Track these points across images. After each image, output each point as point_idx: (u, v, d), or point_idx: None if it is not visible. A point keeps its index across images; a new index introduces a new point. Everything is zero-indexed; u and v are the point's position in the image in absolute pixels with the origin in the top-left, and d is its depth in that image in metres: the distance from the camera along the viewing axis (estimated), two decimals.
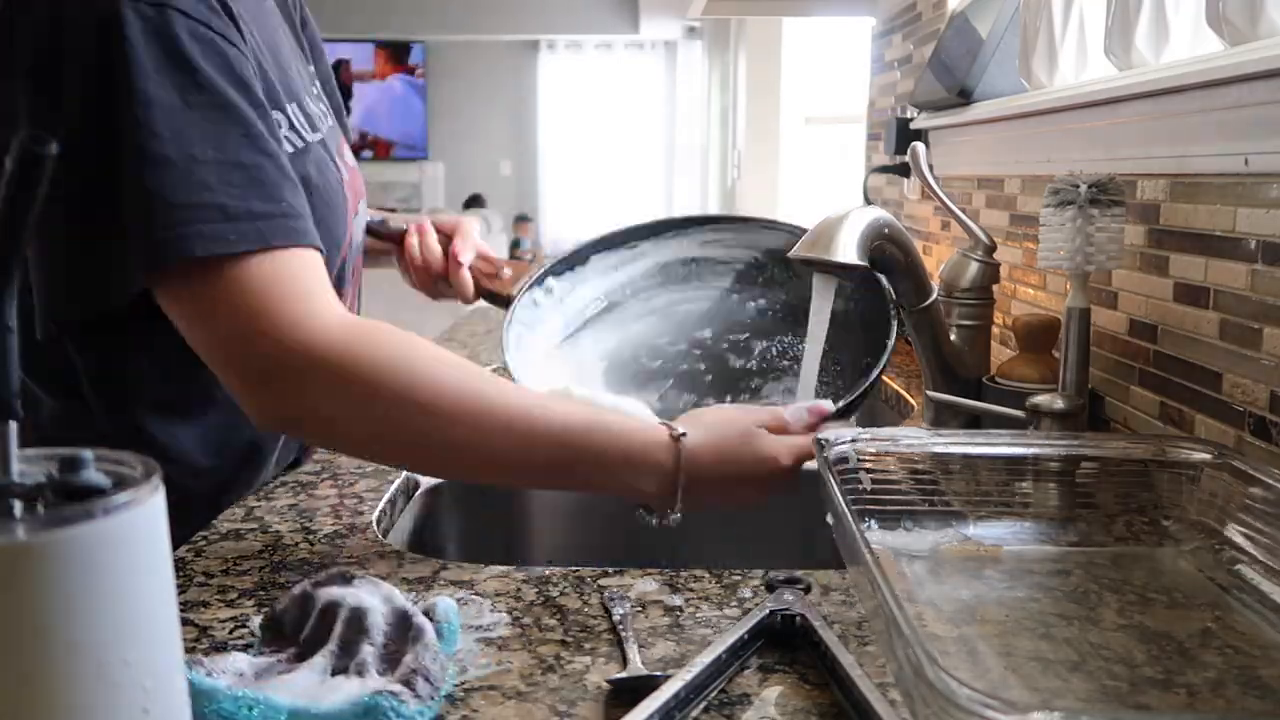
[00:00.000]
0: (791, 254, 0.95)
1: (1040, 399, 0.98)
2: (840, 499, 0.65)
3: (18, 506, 0.37)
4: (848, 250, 0.93)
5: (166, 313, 0.74)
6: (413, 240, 1.12)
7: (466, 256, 1.09)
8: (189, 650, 0.60)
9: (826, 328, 0.92)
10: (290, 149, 0.82)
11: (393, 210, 1.34)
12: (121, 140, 0.70)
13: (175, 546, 0.78)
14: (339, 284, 0.92)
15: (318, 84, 1.00)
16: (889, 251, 1.02)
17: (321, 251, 0.77)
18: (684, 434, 0.77)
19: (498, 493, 1.01)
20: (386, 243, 1.15)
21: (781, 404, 0.92)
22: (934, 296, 1.10)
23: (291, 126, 0.84)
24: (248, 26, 0.80)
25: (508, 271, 1.12)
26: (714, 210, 7.39)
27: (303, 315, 0.72)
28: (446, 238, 1.12)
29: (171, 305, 0.74)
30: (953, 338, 1.18)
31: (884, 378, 1.49)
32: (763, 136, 5.53)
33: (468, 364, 0.77)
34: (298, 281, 0.73)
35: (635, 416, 0.84)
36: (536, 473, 0.78)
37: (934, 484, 0.80)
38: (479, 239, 1.14)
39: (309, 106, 0.90)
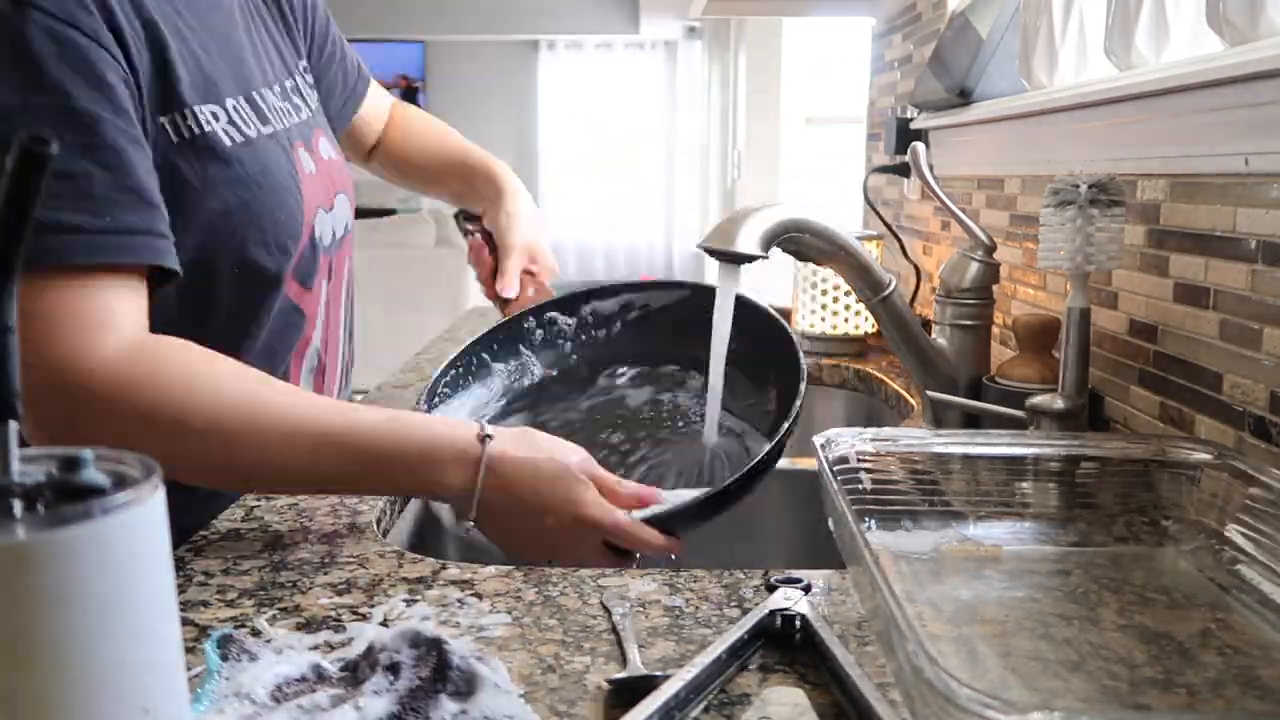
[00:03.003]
0: (698, 244, 0.97)
1: (1040, 399, 0.98)
2: (840, 499, 0.65)
3: (18, 506, 0.37)
4: (749, 241, 0.95)
5: None
6: (471, 255, 1.15)
7: (510, 292, 1.08)
8: (189, 650, 0.60)
9: (730, 323, 0.93)
10: (228, 142, 0.82)
11: (393, 211, 1.34)
12: None
13: (183, 539, 0.78)
14: (304, 280, 0.91)
15: (298, 76, 0.99)
16: (807, 244, 1.03)
17: (173, 270, 0.75)
18: (491, 436, 0.76)
19: None
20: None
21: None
22: (891, 287, 1.10)
23: (230, 120, 0.83)
24: (168, 19, 0.79)
25: (532, 291, 1.10)
26: (714, 210, 7.40)
27: (85, 345, 0.69)
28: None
29: None
30: (951, 337, 1.18)
31: (884, 378, 1.49)
32: (763, 136, 5.53)
33: (254, 378, 0.75)
34: (90, 305, 0.70)
35: (444, 418, 0.84)
36: (330, 480, 0.77)
37: (934, 484, 0.80)
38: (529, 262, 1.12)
39: (264, 99, 0.89)
